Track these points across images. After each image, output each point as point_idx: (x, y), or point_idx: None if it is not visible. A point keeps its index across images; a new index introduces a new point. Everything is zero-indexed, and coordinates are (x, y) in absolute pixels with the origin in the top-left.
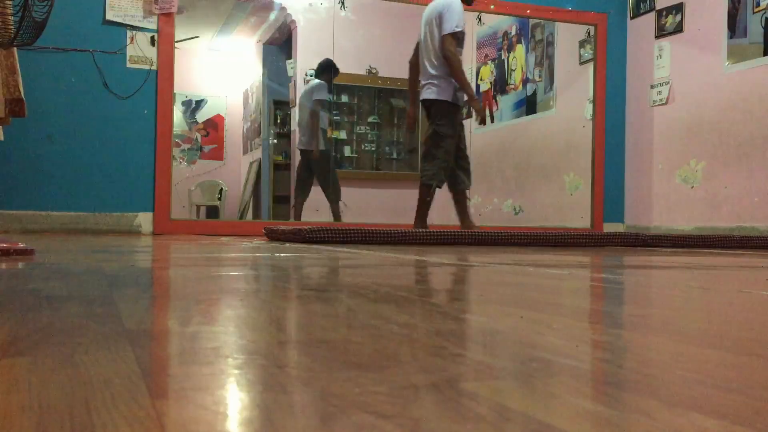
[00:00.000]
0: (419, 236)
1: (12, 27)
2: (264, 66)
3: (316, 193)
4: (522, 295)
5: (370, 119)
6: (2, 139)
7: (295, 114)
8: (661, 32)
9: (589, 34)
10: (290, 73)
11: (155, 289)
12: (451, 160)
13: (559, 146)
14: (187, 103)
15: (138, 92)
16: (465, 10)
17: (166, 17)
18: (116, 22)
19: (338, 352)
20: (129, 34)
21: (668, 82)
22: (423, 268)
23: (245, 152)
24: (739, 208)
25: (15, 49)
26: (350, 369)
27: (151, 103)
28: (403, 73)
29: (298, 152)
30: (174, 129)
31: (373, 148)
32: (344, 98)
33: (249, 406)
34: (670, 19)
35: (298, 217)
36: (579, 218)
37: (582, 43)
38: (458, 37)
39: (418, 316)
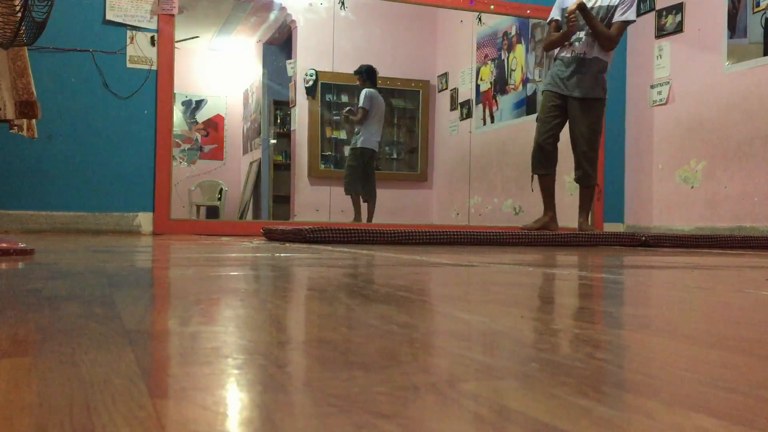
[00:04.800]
0: (419, 236)
1: (13, 27)
2: (264, 66)
3: (318, 193)
4: (522, 295)
5: None
6: (36, 137)
7: (296, 114)
8: (661, 32)
9: None
10: (290, 73)
11: (155, 289)
12: (536, 145)
13: (559, 146)
14: (187, 103)
15: (138, 92)
16: None
17: (166, 17)
18: (116, 22)
19: (338, 352)
20: (129, 34)
21: (668, 82)
22: (423, 268)
23: (245, 152)
24: (739, 208)
25: (26, 50)
26: (350, 369)
27: (151, 103)
28: (403, 72)
29: (297, 152)
30: (174, 129)
31: None
32: (344, 98)
33: (249, 406)
34: (670, 19)
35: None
36: None
37: None
38: (551, 27)
39: (418, 316)
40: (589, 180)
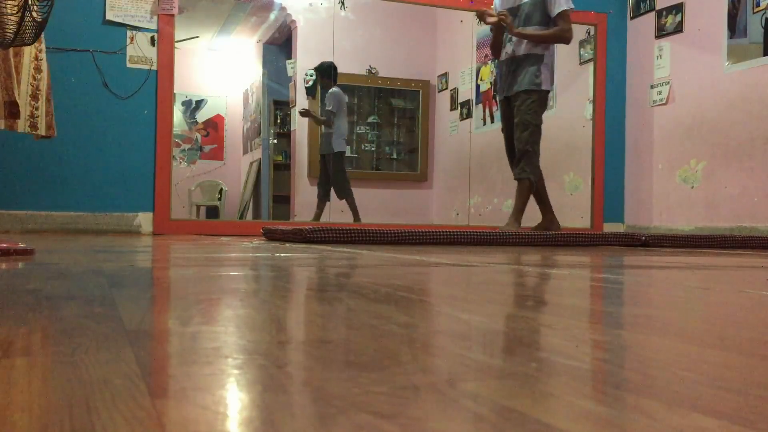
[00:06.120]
0: (419, 236)
1: (12, 27)
2: (264, 66)
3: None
4: (522, 295)
5: (370, 119)
6: (55, 135)
7: (296, 114)
8: (661, 32)
9: (589, 34)
10: (290, 73)
11: (155, 289)
12: (508, 156)
13: (559, 146)
14: (187, 103)
15: (138, 92)
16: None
17: (166, 17)
18: (116, 22)
19: (338, 352)
20: (129, 34)
21: (668, 82)
22: (423, 268)
23: (245, 152)
24: (739, 208)
25: (40, 52)
26: (350, 369)
27: (151, 103)
28: (403, 72)
29: (297, 152)
30: (174, 129)
31: (373, 148)
32: (344, 98)
33: (249, 406)
34: (670, 19)
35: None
36: (579, 218)
37: (582, 43)
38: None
39: (418, 316)
40: (519, 174)
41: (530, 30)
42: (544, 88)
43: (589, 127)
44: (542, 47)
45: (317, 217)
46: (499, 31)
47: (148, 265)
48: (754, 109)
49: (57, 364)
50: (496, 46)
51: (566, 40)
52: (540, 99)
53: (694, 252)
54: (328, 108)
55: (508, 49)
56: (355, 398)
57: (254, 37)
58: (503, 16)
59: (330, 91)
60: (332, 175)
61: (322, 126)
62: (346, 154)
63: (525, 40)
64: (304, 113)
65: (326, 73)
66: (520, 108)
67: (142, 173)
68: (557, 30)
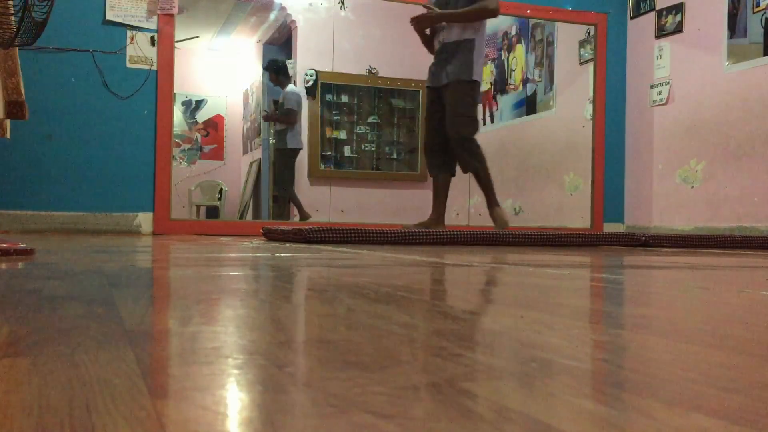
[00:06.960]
0: (419, 236)
1: (12, 27)
2: (264, 66)
3: (318, 193)
4: (522, 295)
5: (370, 119)
6: (8, 137)
7: None
8: (661, 32)
9: (589, 34)
10: (290, 73)
11: (155, 289)
12: (423, 145)
13: (559, 146)
14: (187, 103)
15: (138, 92)
16: None
17: (166, 17)
18: (116, 22)
19: (338, 352)
20: (129, 34)
21: (668, 82)
22: (423, 268)
23: (245, 152)
24: (739, 208)
25: (17, 51)
26: (350, 369)
27: (151, 103)
28: (403, 72)
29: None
30: (174, 129)
31: (373, 148)
32: (344, 98)
33: (249, 406)
34: (670, 19)
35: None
36: (579, 218)
37: (582, 43)
38: None
39: (418, 316)
40: (467, 166)
41: (451, 11)
42: (475, 78)
43: (589, 127)
44: (472, 31)
45: (305, 217)
46: (421, 29)
47: (148, 265)
48: (754, 109)
49: (57, 364)
50: (427, 43)
51: (492, 12)
52: (473, 90)
53: (694, 252)
54: (289, 107)
55: (440, 37)
56: (355, 398)
57: (254, 37)
58: (426, 13)
59: (289, 89)
60: (278, 171)
61: (276, 123)
62: (345, 154)
63: (455, 27)
64: (267, 117)
65: (282, 71)
66: (453, 95)
67: (142, 173)
68: (479, 6)
